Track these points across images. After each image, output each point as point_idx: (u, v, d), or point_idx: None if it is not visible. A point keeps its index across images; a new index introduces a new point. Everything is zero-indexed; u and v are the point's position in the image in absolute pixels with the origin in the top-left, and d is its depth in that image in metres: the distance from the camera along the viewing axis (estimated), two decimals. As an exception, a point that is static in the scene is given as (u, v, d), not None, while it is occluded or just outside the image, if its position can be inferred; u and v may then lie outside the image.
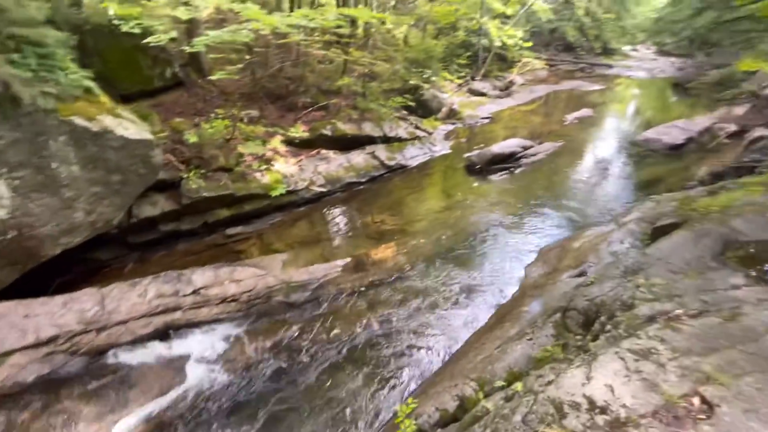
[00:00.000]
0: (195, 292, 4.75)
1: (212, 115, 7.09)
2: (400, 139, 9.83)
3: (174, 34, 5.90)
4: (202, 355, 4.30)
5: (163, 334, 4.38)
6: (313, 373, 4.15)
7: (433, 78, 12.40)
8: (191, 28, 7.37)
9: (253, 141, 7.24)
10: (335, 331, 4.70)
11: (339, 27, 7.88)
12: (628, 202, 7.58)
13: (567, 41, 23.85)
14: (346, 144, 8.81)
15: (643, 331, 2.46)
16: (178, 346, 4.33)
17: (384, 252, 6.12)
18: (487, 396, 2.74)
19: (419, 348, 4.45)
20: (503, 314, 4.63)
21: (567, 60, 23.35)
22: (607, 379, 2.07)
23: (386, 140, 9.51)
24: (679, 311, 2.94)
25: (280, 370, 4.19)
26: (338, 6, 9.84)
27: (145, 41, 5.69)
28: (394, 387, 3.97)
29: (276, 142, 7.75)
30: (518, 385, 2.38)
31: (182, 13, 5.20)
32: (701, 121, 11.49)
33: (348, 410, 3.71)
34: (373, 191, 8.26)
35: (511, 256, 6.08)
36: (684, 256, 3.96)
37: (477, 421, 2.36)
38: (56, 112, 4.16)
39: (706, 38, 20.42)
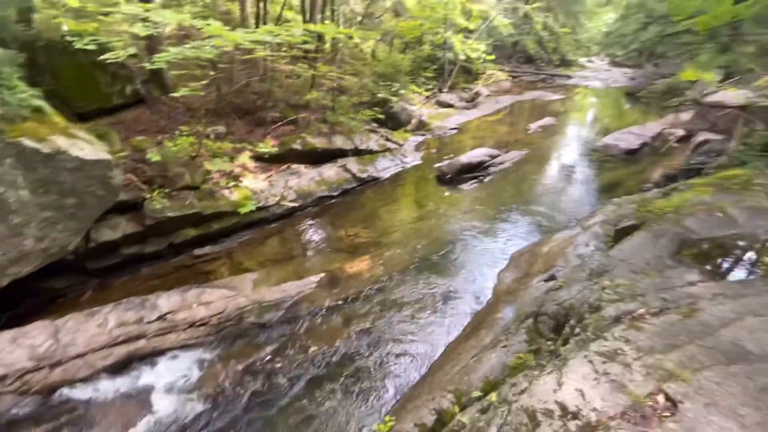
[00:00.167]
0: (161, 317, 4.52)
1: (177, 132, 6.88)
2: (371, 152, 9.88)
3: (133, 50, 5.73)
4: (170, 384, 4.07)
5: (127, 365, 4.12)
6: (289, 394, 4.02)
7: (402, 91, 12.62)
8: (153, 44, 7.18)
9: (221, 157, 7.06)
10: (311, 349, 4.58)
11: (305, 43, 7.89)
12: (592, 205, 7.93)
13: (528, 54, 25.00)
14: (317, 158, 8.76)
15: (610, 333, 2.55)
16: (143, 377, 4.08)
17: (359, 265, 6.08)
18: (464, 408, 2.74)
19: (397, 361, 4.41)
20: (479, 322, 4.67)
21: (529, 71, 24.43)
22: (577, 383, 2.11)
23: (357, 153, 9.54)
24: (641, 310, 3.06)
25: (255, 394, 4.03)
26: (305, 22, 9.88)
27: (102, 58, 5.48)
28: (372, 403, 3.90)
29: (244, 158, 7.60)
30: (493, 396, 2.39)
31: (140, 29, 5.05)
32: (653, 127, 12.26)
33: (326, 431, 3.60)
34: (346, 204, 8.23)
35: (485, 262, 6.19)
36: (644, 256, 4.15)
37: (455, 435, 2.35)
38: (1, 133, 3.91)
39: (652, 50, 22.02)
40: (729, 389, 2.15)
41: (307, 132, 8.87)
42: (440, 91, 16.74)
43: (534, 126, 13.89)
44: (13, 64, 4.23)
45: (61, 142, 4.43)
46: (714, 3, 5.76)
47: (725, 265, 4.16)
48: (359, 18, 14.27)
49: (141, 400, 3.86)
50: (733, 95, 9.13)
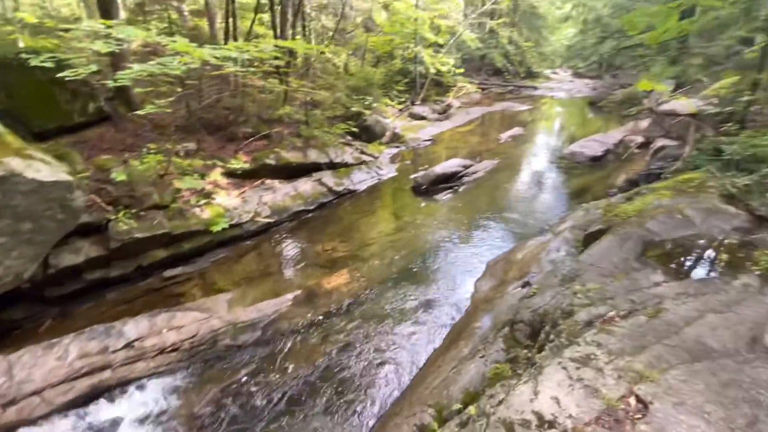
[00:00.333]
0: (128, 345, 4.29)
1: (144, 150, 6.67)
2: (346, 165, 9.88)
3: (95, 67, 5.55)
4: (140, 416, 3.84)
5: (90, 400, 3.86)
6: (268, 416, 3.88)
7: (375, 104, 12.75)
8: (117, 60, 6.97)
9: (191, 175, 6.87)
10: (290, 368, 4.46)
11: (276, 58, 7.88)
12: (562, 211, 8.20)
13: (495, 66, 25.90)
14: (291, 172, 8.67)
15: (582, 338, 2.61)
16: (108, 411, 3.83)
17: (337, 280, 6.00)
18: (444, 422, 2.72)
19: (378, 376, 4.35)
20: (458, 332, 4.69)
21: (497, 83, 25.29)
22: (552, 391, 2.14)
23: (333, 166, 9.52)
24: (611, 313, 3.17)
25: (231, 420, 3.86)
26: (275, 37, 9.88)
27: (60, 75, 5.27)
28: (354, 422, 3.81)
29: (216, 175, 7.43)
30: (472, 409, 2.39)
31: (101, 46, 4.90)
32: (615, 134, 12.89)
33: (307, 456, 3.49)
34: (322, 218, 8.16)
35: (463, 270, 6.25)
36: (612, 259, 4.32)
37: (436, 451, 2.32)
38: (-52, 157, 3.66)
39: (611, 62, 23.31)
40: (695, 387, 2.24)
41: (280, 146, 8.79)
42: (413, 103, 17.04)
43: (504, 136, 14.31)
44: (-39, 83, 4.00)
45: (15, 164, 4.19)
46: (662, 19, 6.17)
47: (687, 264, 4.38)
48: (330, 33, 14.42)
49: (106, 435, 3.62)
50: (684, 104, 9.76)
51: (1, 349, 4.10)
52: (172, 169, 6.74)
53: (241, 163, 7.68)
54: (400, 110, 16.00)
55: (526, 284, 5.00)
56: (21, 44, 5.92)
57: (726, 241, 4.52)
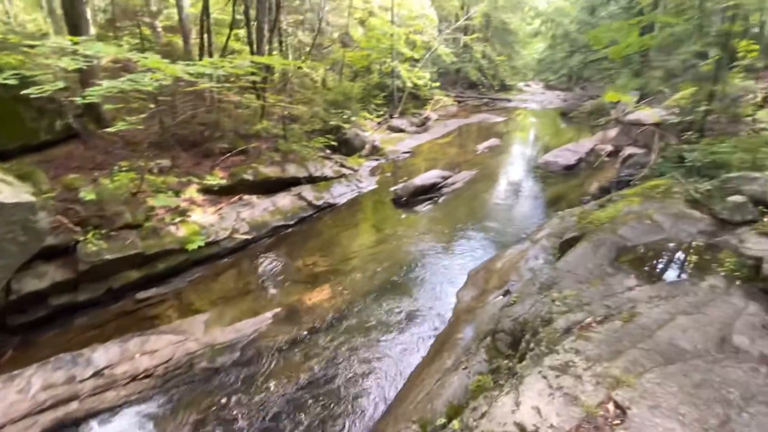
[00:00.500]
0: (97, 374, 4.06)
1: (115, 167, 6.47)
2: (326, 178, 9.85)
3: (62, 84, 5.38)
4: (109, 449, 3.64)
5: (55, 434, 3.63)
6: (248, 442, 3.74)
7: (353, 118, 12.84)
8: (86, 77, 6.79)
9: (165, 192, 6.69)
10: (270, 389, 4.32)
11: (253, 74, 7.85)
12: (539, 219, 8.39)
13: (470, 80, 26.63)
14: (269, 187, 8.57)
15: (561, 345, 2.65)
16: (75, 446, 3.62)
17: (318, 295, 5.91)
18: (429, 438, 2.69)
19: (363, 393, 4.27)
20: (441, 344, 4.68)
21: (473, 96, 25.96)
22: (533, 400, 2.15)
23: (312, 180, 9.47)
24: (588, 319, 3.23)
25: (209, 448, 3.70)
26: (252, 53, 9.86)
27: (25, 92, 5.08)
28: (338, 443, 3.72)
29: (191, 192, 7.26)
30: (456, 423, 2.37)
31: (67, 63, 4.76)
32: (586, 144, 13.39)
33: (289, 481, 3.36)
34: (302, 233, 8.07)
35: (445, 281, 6.27)
36: (587, 265, 4.42)
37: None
38: None
39: (579, 75, 24.37)
40: (669, 389, 2.29)
41: (258, 161, 8.69)
42: (391, 116, 17.25)
43: (481, 147, 14.64)
44: None
45: (-27, 186, 3.99)
46: (624, 35, 6.54)
47: (658, 268, 4.54)
48: (308, 48, 14.51)
49: (73, 472, 3.40)
50: (648, 114, 10.26)
51: (-45, 385, 3.81)
52: (145, 187, 6.55)
53: (217, 179, 7.54)
54: (379, 123, 16.16)
55: (507, 293, 5.06)
56: (-18, 61, 5.68)
57: (693, 244, 4.72)
